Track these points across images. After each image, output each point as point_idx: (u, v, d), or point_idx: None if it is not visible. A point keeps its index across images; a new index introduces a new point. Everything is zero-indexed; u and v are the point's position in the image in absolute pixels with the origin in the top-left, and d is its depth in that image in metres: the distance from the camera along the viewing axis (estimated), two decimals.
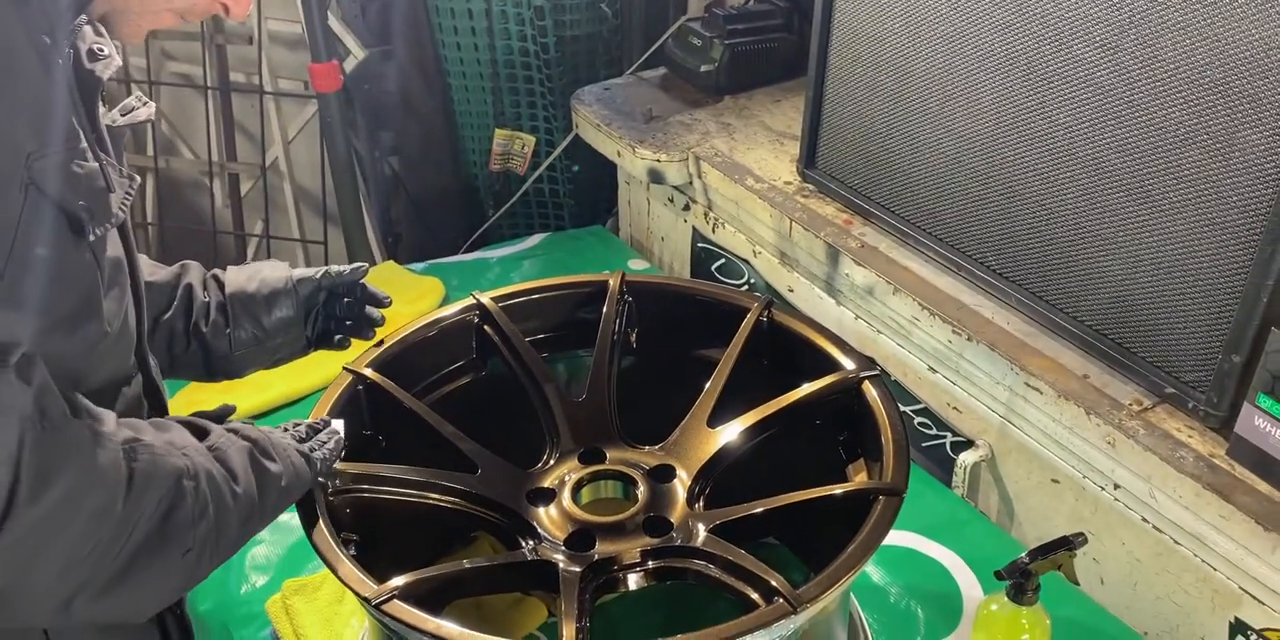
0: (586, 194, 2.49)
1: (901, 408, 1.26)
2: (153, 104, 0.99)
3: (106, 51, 0.88)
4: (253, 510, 0.91)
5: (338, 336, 1.27)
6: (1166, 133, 1.27)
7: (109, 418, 0.84)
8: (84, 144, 0.83)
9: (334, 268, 1.25)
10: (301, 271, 1.23)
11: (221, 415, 1.02)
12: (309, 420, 1.07)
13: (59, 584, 0.77)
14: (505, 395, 1.28)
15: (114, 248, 0.91)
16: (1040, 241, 1.47)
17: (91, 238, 0.84)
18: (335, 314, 1.26)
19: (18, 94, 0.76)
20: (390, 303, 1.29)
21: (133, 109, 0.96)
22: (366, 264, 1.30)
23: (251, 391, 1.69)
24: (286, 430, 1.03)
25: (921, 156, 1.61)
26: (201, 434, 0.93)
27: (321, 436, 1.04)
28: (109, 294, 0.89)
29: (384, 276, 2.10)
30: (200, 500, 0.85)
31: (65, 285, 0.80)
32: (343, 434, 1.06)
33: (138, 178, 0.93)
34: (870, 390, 1.18)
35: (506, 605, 1.28)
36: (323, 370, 1.72)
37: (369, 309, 1.28)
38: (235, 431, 0.96)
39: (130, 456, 0.81)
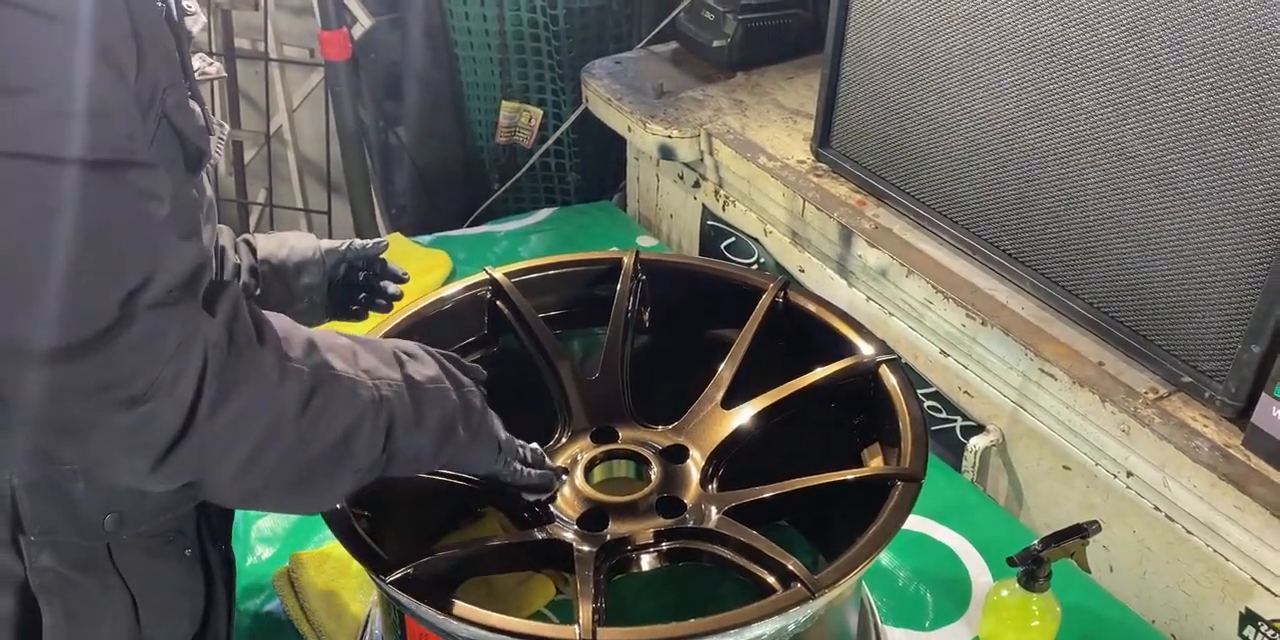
0: (593, 169, 2.46)
1: None
2: (219, 64, 1.01)
3: (194, 8, 0.93)
4: (422, 455, 0.96)
5: (354, 307, 1.31)
6: (1192, 119, 1.26)
7: (302, 342, 0.87)
8: (188, 87, 0.88)
9: (358, 241, 1.30)
10: (328, 243, 1.28)
11: (471, 373, 1.04)
12: (553, 462, 1.12)
13: (239, 483, 0.85)
14: (517, 372, 1.27)
15: (207, 189, 0.96)
16: (1058, 226, 1.46)
17: (199, 175, 0.89)
18: (354, 285, 1.31)
19: (154, 31, 0.80)
20: (408, 278, 1.33)
21: (199, 68, 1.00)
22: (387, 240, 1.33)
23: None
24: (524, 445, 1.08)
25: (939, 138, 1.59)
26: (426, 365, 0.96)
27: (537, 472, 1.08)
28: (205, 229, 0.94)
29: (390, 249, 2.05)
30: (377, 432, 0.90)
31: (180, 217, 0.85)
32: (554, 490, 1.10)
33: (227, 125, 0.95)
34: (888, 375, 1.17)
35: (514, 583, 1.27)
36: None
37: (387, 283, 1.32)
38: (461, 389, 0.99)
39: (314, 382, 0.86)
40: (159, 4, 0.83)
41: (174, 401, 0.77)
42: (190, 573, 1.05)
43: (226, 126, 0.98)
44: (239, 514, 1.48)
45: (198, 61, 0.99)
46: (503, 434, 1.04)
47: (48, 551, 0.93)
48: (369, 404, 0.89)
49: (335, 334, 0.93)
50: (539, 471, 1.08)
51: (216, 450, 0.81)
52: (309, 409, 0.85)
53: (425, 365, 0.97)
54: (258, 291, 1.21)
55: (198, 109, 0.89)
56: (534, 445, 1.10)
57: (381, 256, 1.32)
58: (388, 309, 1.31)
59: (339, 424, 0.87)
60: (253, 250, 1.23)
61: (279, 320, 0.88)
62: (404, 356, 0.96)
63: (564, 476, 1.12)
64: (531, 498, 1.09)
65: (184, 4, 0.90)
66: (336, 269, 1.28)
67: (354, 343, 0.93)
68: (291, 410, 0.84)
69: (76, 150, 0.71)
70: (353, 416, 0.88)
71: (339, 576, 1.34)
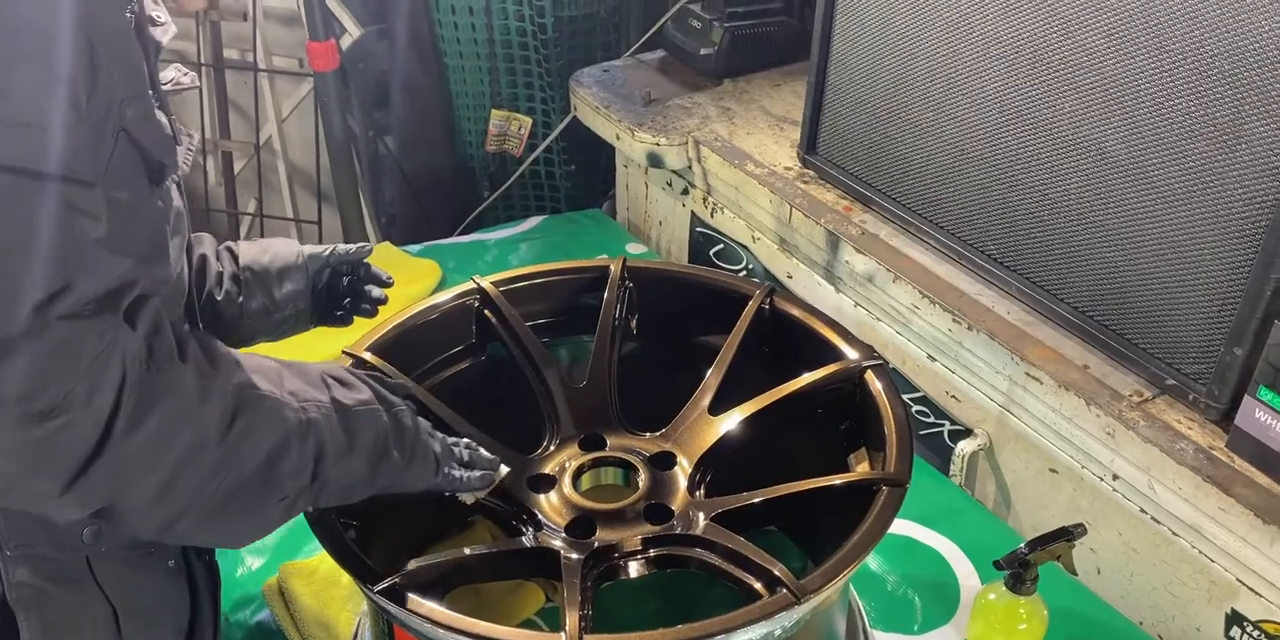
0: (582, 176, 2.47)
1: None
2: (194, 74, 1.01)
3: (163, 19, 0.92)
4: (357, 483, 0.95)
5: (339, 312, 1.31)
6: (1173, 123, 1.27)
7: (225, 361, 0.87)
8: (155, 98, 0.88)
9: (341, 246, 1.30)
10: (311, 248, 1.27)
11: (398, 391, 1.03)
12: (487, 453, 1.09)
13: (158, 508, 0.82)
14: (505, 380, 1.28)
15: (175, 200, 0.95)
16: (1042, 230, 1.47)
17: (163, 186, 0.89)
18: (339, 291, 1.30)
19: (113, 42, 0.80)
20: (393, 283, 1.33)
21: (173, 78, 0.99)
22: (371, 244, 1.33)
23: None
24: (456, 444, 1.06)
25: (924, 143, 1.60)
26: (355, 389, 0.95)
27: (477, 475, 1.05)
28: (172, 241, 0.93)
29: (380, 258, 2.03)
30: (304, 457, 0.88)
31: (140, 228, 0.85)
32: (497, 481, 1.08)
33: (195, 135, 0.96)
34: (873, 380, 1.18)
35: (504, 591, 1.27)
36: (317, 354, 1.71)
37: (371, 287, 1.31)
38: (391, 409, 0.98)
39: (237, 401, 0.85)
40: (128, 15, 0.83)
41: (89, 415, 0.75)
42: (174, 584, 1.04)
43: (195, 136, 0.97)
44: None
45: (172, 72, 1.00)
46: (438, 446, 1.03)
47: (25, 566, 0.93)
48: (295, 426, 0.88)
49: (261, 357, 0.93)
50: (479, 475, 1.06)
51: (134, 470, 0.79)
52: (233, 429, 0.83)
53: (355, 389, 0.96)
54: (240, 298, 1.21)
55: (164, 120, 0.88)
56: (465, 440, 1.08)
57: (365, 261, 1.31)
58: (373, 314, 1.31)
59: (264, 446, 0.85)
60: (234, 258, 1.23)
61: (203, 339, 0.87)
62: (331, 380, 0.94)
63: (502, 467, 1.09)
64: (471, 500, 1.08)
65: (153, 14, 0.90)
66: (320, 274, 1.28)
67: (280, 365, 0.92)
68: (214, 430, 0.82)
69: (12, 159, 0.72)
70: (278, 439, 0.86)
71: (328, 587, 1.35)
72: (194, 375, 0.82)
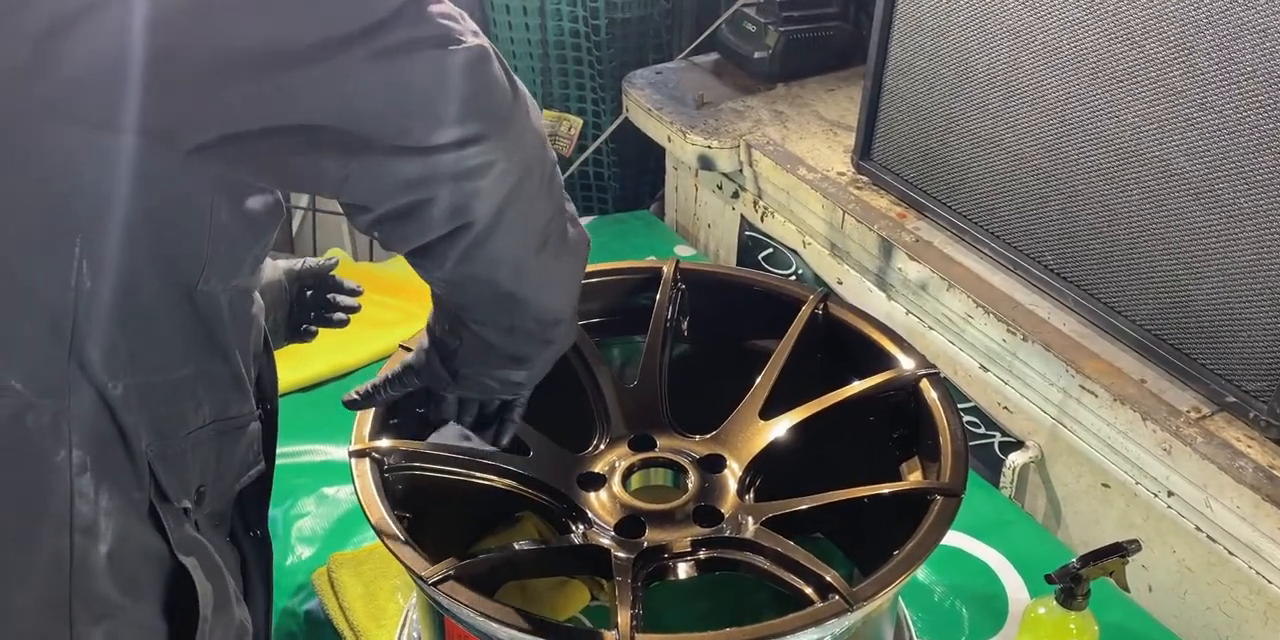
0: (631, 178, 2.47)
1: None
2: None
3: None
4: (533, 226, 0.95)
5: (304, 326, 1.31)
6: (1240, 137, 1.25)
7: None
8: None
9: (310, 260, 1.30)
10: (285, 263, 1.28)
11: None
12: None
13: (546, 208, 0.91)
14: (557, 378, 1.28)
15: None
16: (1101, 242, 1.45)
17: None
18: (305, 304, 1.31)
19: None
20: (361, 291, 1.33)
21: None
22: (337, 258, 1.33)
23: (296, 366, 1.70)
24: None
25: (981, 152, 1.59)
26: None
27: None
28: None
29: None
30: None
31: None
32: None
33: None
34: (928, 389, 1.17)
35: (549, 588, 1.28)
36: (368, 347, 1.73)
37: (338, 297, 1.31)
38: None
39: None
40: None
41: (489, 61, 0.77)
42: (231, 554, 1.03)
43: None
44: (278, 513, 1.50)
45: None
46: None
47: (182, 517, 0.92)
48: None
49: None
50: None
51: (519, 122, 0.82)
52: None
53: None
54: None
55: None
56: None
57: (331, 273, 1.31)
58: (346, 323, 1.31)
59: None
60: None
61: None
62: None
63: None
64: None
65: None
66: (293, 287, 1.28)
67: None
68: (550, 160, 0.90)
69: None
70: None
71: (377, 578, 1.35)
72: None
